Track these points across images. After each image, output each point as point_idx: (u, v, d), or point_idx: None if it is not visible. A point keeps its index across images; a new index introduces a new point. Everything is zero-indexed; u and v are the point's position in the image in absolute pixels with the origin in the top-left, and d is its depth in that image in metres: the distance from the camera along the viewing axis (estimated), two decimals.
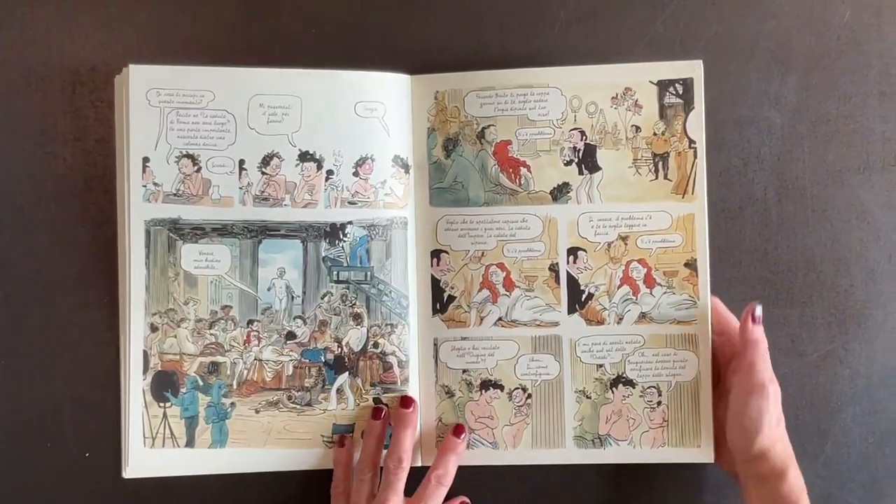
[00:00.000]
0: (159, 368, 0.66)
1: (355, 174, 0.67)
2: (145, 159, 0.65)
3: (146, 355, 0.66)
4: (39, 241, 0.68)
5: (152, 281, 0.66)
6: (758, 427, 0.61)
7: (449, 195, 0.68)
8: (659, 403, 0.67)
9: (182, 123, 0.65)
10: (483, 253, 0.68)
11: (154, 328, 0.66)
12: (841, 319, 0.71)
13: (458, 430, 0.67)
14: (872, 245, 0.71)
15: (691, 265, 0.67)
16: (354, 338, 0.67)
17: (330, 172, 0.67)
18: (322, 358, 0.67)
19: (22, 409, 0.68)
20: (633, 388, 0.67)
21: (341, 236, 0.67)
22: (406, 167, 0.68)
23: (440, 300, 0.68)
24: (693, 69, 0.67)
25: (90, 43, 0.69)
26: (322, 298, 0.67)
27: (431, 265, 0.68)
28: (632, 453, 0.67)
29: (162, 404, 0.66)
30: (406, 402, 0.66)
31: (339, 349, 0.67)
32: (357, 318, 0.67)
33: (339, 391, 0.67)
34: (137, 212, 0.65)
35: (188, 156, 0.66)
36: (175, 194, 0.66)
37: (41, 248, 0.68)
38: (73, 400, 0.68)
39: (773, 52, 0.71)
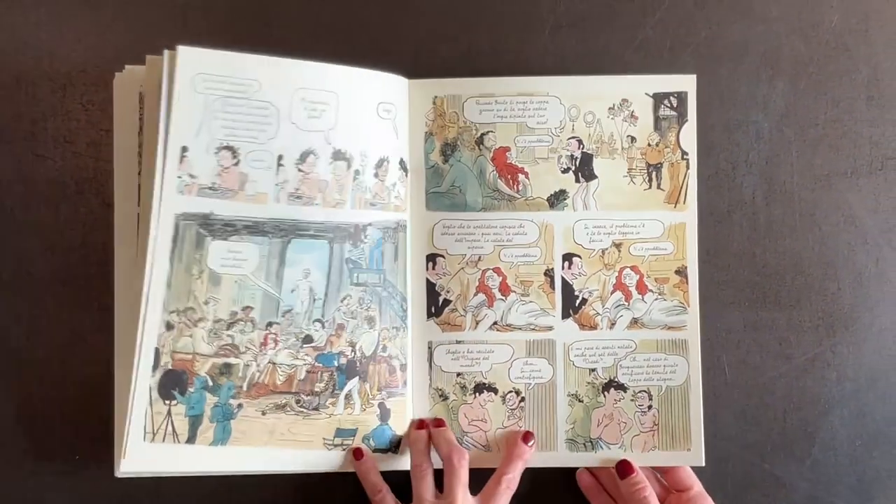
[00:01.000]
0: (170, 367, 0.63)
1: (376, 175, 0.66)
2: (184, 148, 0.62)
3: (157, 353, 0.63)
4: (29, 244, 0.68)
5: (175, 277, 0.63)
6: None
7: (446, 200, 0.68)
8: (650, 408, 0.68)
9: (226, 113, 0.63)
10: (480, 257, 0.68)
11: (170, 326, 0.63)
12: (829, 323, 0.71)
13: (526, 436, 0.67)
14: (860, 249, 0.71)
15: (682, 272, 0.68)
16: (367, 341, 0.66)
17: (357, 172, 0.66)
18: (335, 362, 0.66)
19: (11, 412, 0.68)
20: (625, 392, 0.68)
21: (363, 238, 0.66)
22: (406, 171, 0.68)
23: (435, 304, 0.68)
24: (687, 83, 0.68)
25: (81, 45, 0.68)
26: (342, 301, 0.66)
27: (427, 269, 0.68)
28: (622, 457, 0.68)
29: (168, 402, 0.64)
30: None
31: (353, 353, 0.66)
32: (370, 321, 0.67)
33: (348, 396, 0.66)
34: (169, 204, 0.62)
35: (228, 147, 0.63)
36: (210, 188, 0.63)
37: (31, 250, 0.68)
38: (62, 402, 0.68)
39: (762, 57, 0.71)
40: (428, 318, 0.68)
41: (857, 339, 0.71)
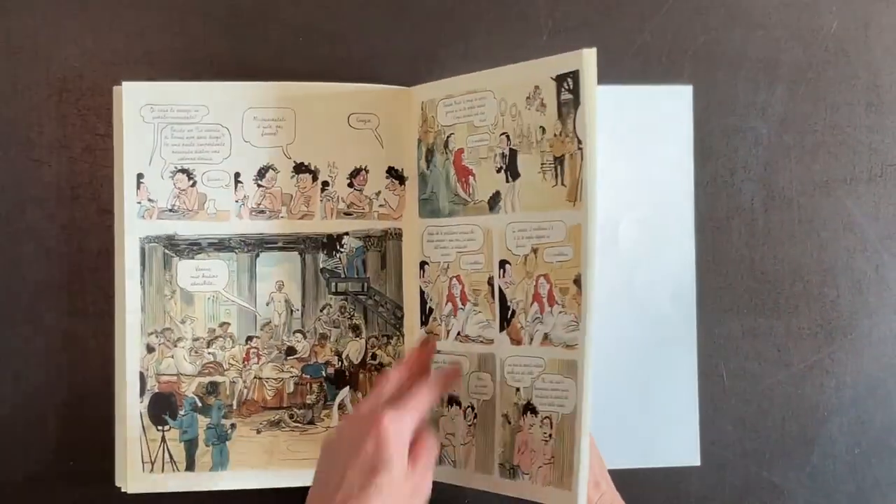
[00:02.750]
0: (157, 390, 0.64)
1: (350, 185, 0.66)
2: (139, 176, 0.64)
3: (143, 377, 0.64)
4: (25, 249, 0.68)
5: (148, 300, 0.64)
6: None
7: (429, 206, 0.66)
8: (550, 437, 0.59)
9: (176, 138, 0.65)
10: (448, 265, 0.65)
11: (150, 349, 0.64)
12: (827, 330, 0.71)
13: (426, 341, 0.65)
14: (859, 255, 0.71)
15: (578, 282, 0.58)
16: (354, 350, 0.66)
17: (325, 184, 0.66)
18: (323, 373, 0.66)
19: (5, 418, 0.68)
20: (536, 416, 0.60)
21: (338, 247, 0.66)
22: (401, 178, 0.67)
23: (424, 311, 0.66)
24: (579, 60, 0.58)
25: (77, 50, 0.68)
26: (321, 311, 0.66)
27: (419, 276, 0.67)
28: (530, 489, 0.60)
29: (160, 427, 0.64)
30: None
31: (340, 362, 0.66)
32: (356, 329, 0.66)
33: (341, 406, 0.66)
34: (132, 229, 0.64)
35: (183, 171, 0.65)
36: (170, 210, 0.65)
37: (26, 255, 0.68)
38: (57, 408, 0.68)
39: (761, 63, 0.71)
40: (421, 325, 0.67)
41: (856, 347, 0.71)
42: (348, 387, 0.66)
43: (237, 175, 0.65)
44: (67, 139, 0.68)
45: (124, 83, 0.64)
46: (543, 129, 0.61)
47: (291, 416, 0.66)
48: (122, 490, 0.65)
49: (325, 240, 0.66)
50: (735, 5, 0.71)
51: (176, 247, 0.65)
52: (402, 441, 0.54)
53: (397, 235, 0.67)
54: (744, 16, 0.71)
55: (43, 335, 0.68)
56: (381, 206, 0.67)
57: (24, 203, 0.68)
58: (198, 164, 0.65)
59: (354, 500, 0.52)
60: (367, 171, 0.67)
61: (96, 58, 0.68)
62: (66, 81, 0.68)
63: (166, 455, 0.64)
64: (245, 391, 0.65)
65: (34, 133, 0.68)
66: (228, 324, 0.65)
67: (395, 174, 0.67)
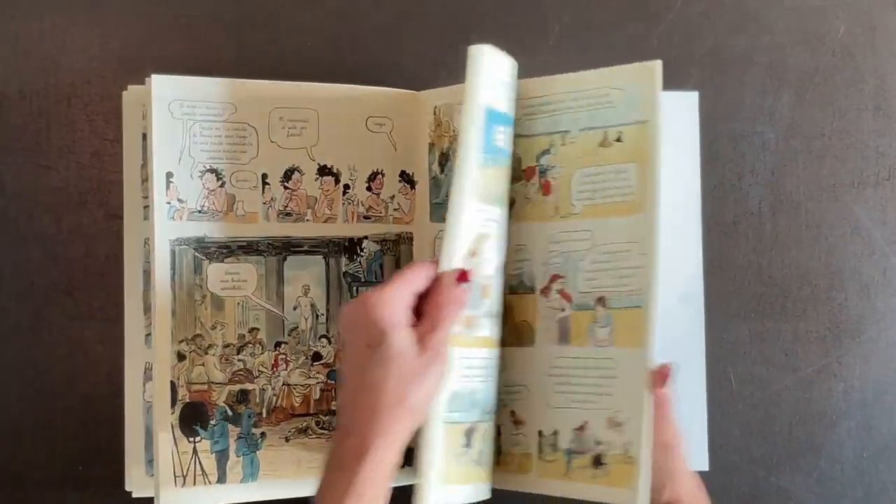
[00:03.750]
0: (188, 400, 0.62)
1: (368, 189, 0.66)
2: (169, 175, 0.62)
3: (174, 386, 0.62)
4: (32, 254, 0.68)
5: (179, 305, 0.62)
6: (663, 483, 0.58)
7: (443, 210, 0.65)
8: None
9: (205, 137, 0.63)
10: None
11: (181, 356, 0.62)
12: (835, 334, 0.71)
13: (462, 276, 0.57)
14: (867, 260, 0.71)
15: None
16: None
17: (346, 187, 0.65)
18: None
19: (12, 422, 0.68)
20: None
21: (358, 251, 0.66)
22: (412, 183, 0.67)
23: None
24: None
25: (85, 56, 0.68)
26: None
27: None
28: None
29: (192, 439, 0.62)
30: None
31: None
32: None
33: None
34: (162, 230, 0.62)
35: (212, 170, 0.63)
36: (199, 211, 0.63)
37: (34, 261, 0.68)
38: (65, 413, 0.68)
39: (768, 68, 0.71)
40: None
41: (864, 351, 0.71)
42: None
43: (264, 176, 0.64)
44: (75, 145, 0.68)
45: (153, 76, 0.62)
46: None
47: (318, 423, 0.65)
48: (133, 495, 0.65)
49: (346, 243, 0.66)
50: (742, 11, 0.71)
51: (206, 249, 0.63)
52: (391, 313, 0.53)
53: (409, 239, 0.67)
54: (750, 21, 0.71)
55: (50, 340, 0.68)
56: (395, 209, 0.66)
57: (32, 208, 0.68)
58: (226, 164, 0.63)
59: (360, 377, 0.53)
60: (383, 175, 0.66)
61: (104, 64, 0.68)
62: (74, 87, 0.68)
63: (198, 468, 0.62)
64: (274, 398, 0.64)
65: (42, 138, 0.68)
66: (258, 329, 0.64)
67: (406, 178, 0.67)
